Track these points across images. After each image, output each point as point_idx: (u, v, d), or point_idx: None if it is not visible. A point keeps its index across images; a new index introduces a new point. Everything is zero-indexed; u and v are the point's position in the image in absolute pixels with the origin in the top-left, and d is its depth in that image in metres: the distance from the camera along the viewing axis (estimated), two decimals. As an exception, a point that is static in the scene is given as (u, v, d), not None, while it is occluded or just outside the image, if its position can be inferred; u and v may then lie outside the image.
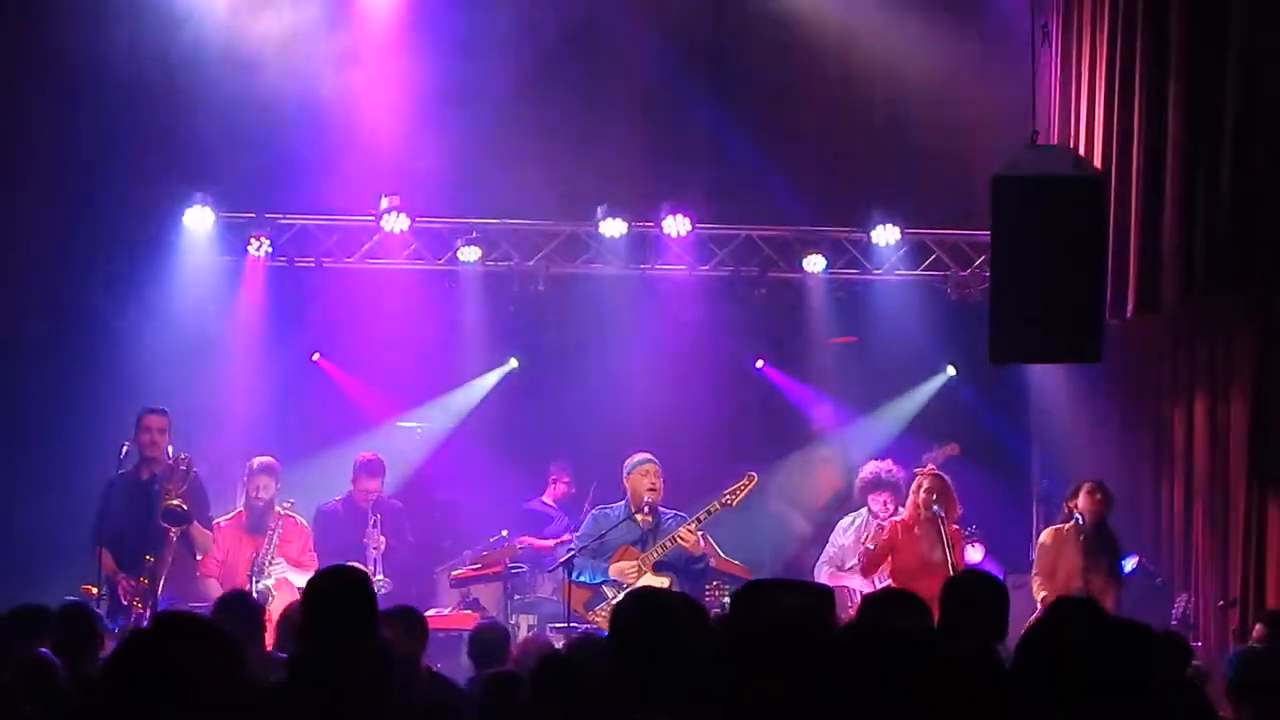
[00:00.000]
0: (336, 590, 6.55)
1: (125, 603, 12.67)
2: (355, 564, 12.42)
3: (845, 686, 4.19)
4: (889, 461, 14.38)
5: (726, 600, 13.45)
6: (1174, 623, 13.91)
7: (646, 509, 13.38)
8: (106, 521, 13.00)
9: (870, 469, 14.29)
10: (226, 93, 15.13)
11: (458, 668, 12.04)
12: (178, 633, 4.57)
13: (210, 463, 14.23)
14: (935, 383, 16.77)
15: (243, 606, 9.04)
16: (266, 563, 13.39)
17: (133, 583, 12.85)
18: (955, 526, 13.18)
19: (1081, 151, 13.99)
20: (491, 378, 16.75)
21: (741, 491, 13.45)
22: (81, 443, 14.20)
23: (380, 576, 13.51)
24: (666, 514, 13.49)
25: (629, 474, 13.57)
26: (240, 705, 4.39)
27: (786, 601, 5.48)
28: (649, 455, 13.61)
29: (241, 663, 4.55)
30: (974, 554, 14.25)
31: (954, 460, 15.36)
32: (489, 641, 9.96)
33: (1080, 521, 12.87)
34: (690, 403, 16.13)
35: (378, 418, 16.10)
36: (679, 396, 16.08)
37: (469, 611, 14.30)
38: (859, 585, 13.49)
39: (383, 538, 13.84)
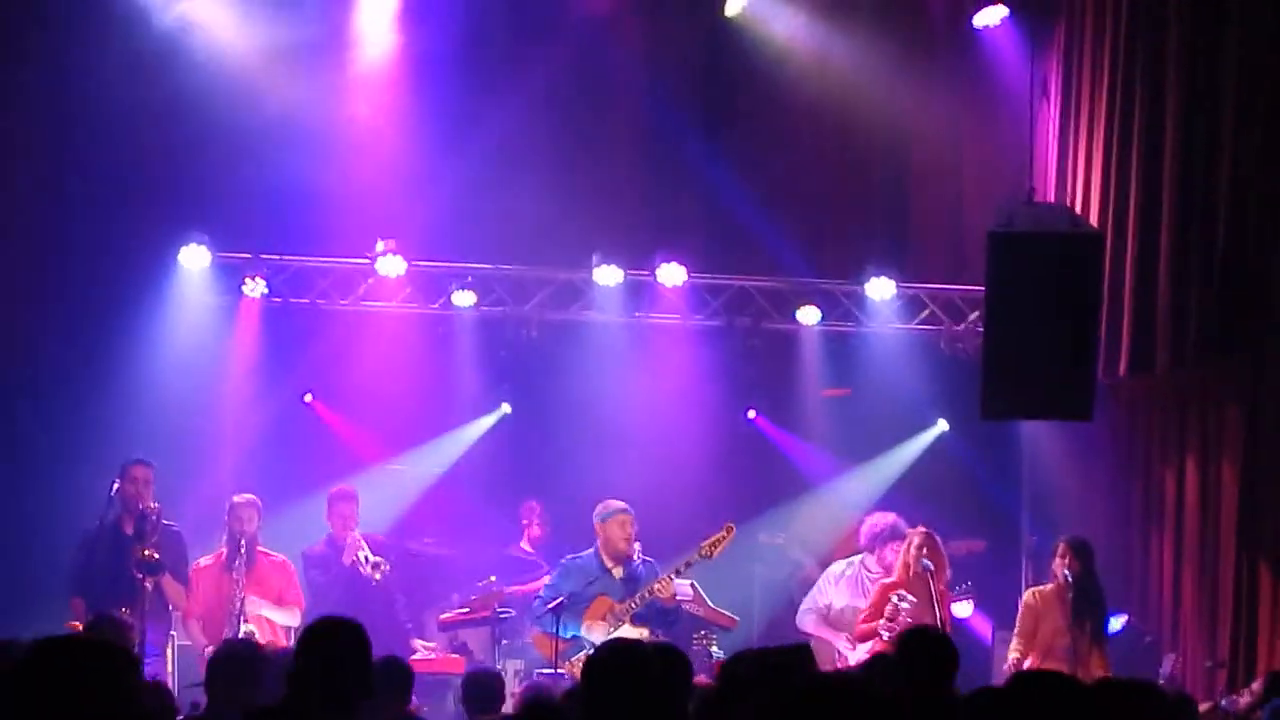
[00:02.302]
0: (334, 646, 6.49)
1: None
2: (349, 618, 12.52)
3: None
4: (893, 515, 14.33)
5: (714, 649, 13.42)
6: (1161, 683, 13.89)
7: (636, 559, 13.36)
8: (84, 573, 12.95)
9: (883, 520, 14.20)
10: (223, 133, 15.15)
11: (443, 712, 12.08)
12: (50, 659, 4.57)
13: (201, 503, 14.21)
14: (928, 436, 16.75)
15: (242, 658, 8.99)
16: (240, 603, 13.28)
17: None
18: (943, 587, 13.17)
19: (1077, 210, 14.02)
20: (484, 423, 16.72)
21: (720, 544, 13.40)
22: (72, 481, 14.14)
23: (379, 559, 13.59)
24: (635, 563, 13.45)
25: (603, 522, 13.52)
26: None
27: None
28: (624, 505, 13.58)
29: (122, 688, 4.52)
30: (963, 608, 14.22)
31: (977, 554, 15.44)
32: (483, 686, 9.92)
33: (1067, 580, 12.84)
34: (681, 452, 16.11)
35: (368, 460, 16.04)
36: (670, 445, 16.07)
37: (456, 655, 14.28)
38: (844, 648, 13.46)
39: (377, 560, 13.83)
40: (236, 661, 8.41)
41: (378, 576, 13.78)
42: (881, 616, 13.02)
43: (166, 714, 7.54)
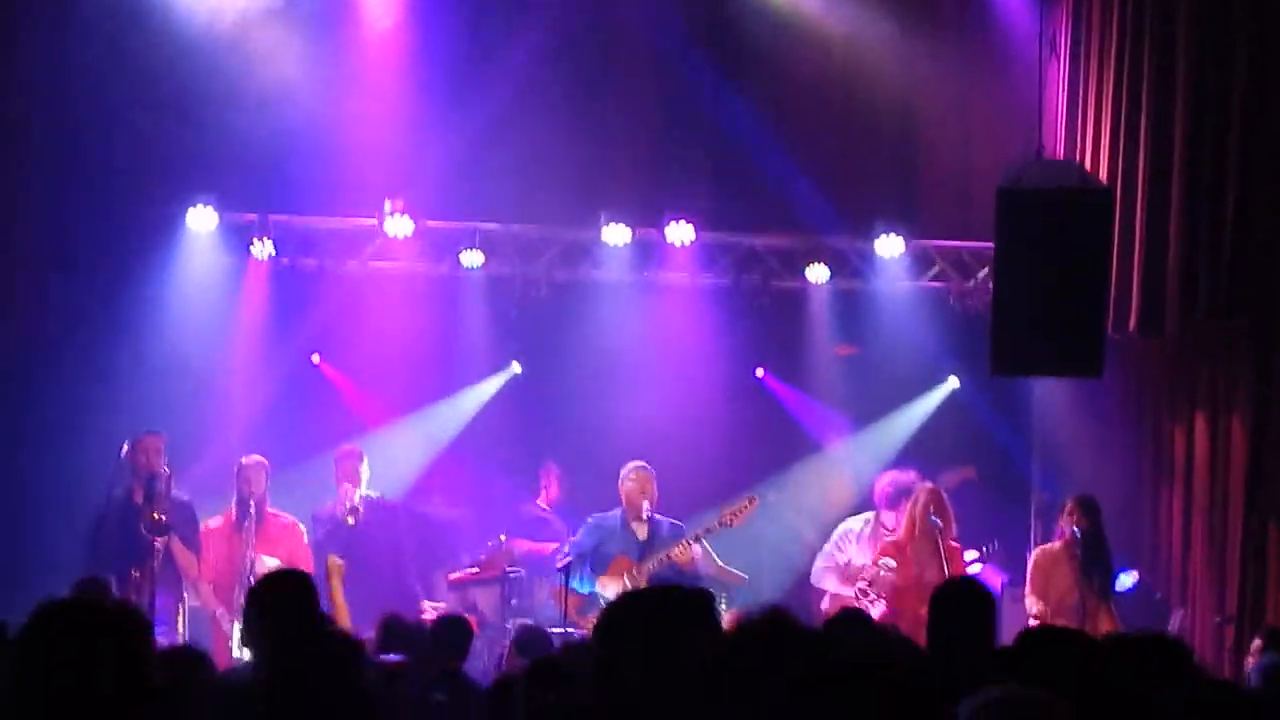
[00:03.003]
0: (274, 594, 6.49)
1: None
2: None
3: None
4: (913, 473, 14.34)
5: (724, 606, 13.44)
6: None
7: (645, 517, 13.39)
8: (96, 547, 12.99)
9: (901, 478, 14.21)
10: (232, 92, 15.12)
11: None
12: (57, 624, 4.52)
13: (210, 464, 14.23)
14: (939, 393, 16.71)
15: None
16: (250, 564, 13.30)
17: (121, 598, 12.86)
18: (953, 542, 13.20)
19: (1086, 167, 13.98)
20: (494, 382, 16.71)
21: (742, 513, 13.45)
22: (82, 445, 14.16)
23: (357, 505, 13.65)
24: (663, 523, 13.49)
25: (622, 481, 13.59)
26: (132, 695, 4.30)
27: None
28: (642, 463, 13.64)
29: (134, 653, 4.48)
30: (970, 559, 14.25)
31: (970, 482, 15.44)
32: (536, 641, 9.99)
33: (1075, 537, 12.86)
34: (690, 411, 16.09)
35: (376, 421, 16.06)
36: (679, 404, 16.05)
37: (468, 615, 14.29)
38: (865, 605, 13.48)
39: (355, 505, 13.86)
40: None
41: (350, 521, 13.76)
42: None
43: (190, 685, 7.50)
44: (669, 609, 5.77)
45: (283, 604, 6.47)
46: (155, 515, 12.82)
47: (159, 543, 12.83)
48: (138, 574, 12.65)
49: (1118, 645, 5.82)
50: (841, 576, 14.03)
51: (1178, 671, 5.44)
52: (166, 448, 13.33)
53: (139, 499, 13.08)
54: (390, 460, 15.13)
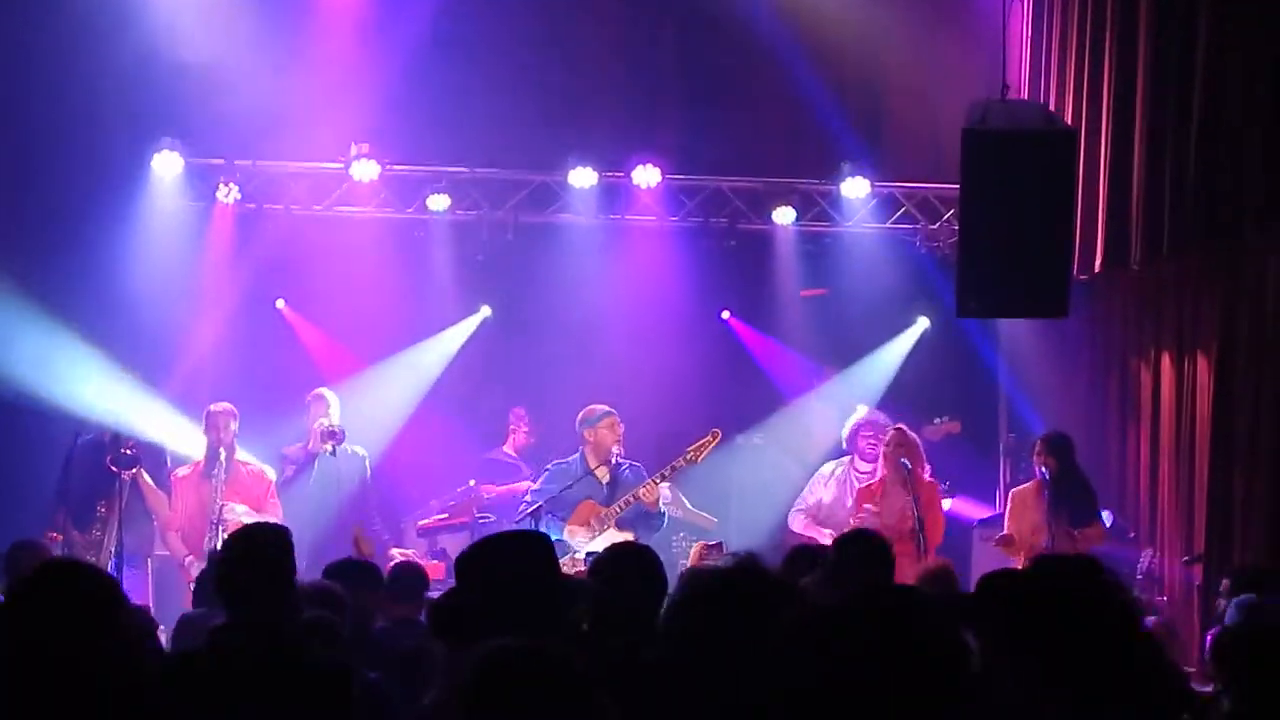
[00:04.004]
0: (249, 551, 6.49)
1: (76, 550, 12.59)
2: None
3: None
4: (880, 414, 14.41)
5: (691, 550, 13.46)
6: (1139, 577, 13.99)
7: (613, 462, 13.40)
8: (69, 482, 12.99)
9: (867, 418, 14.28)
10: (197, 36, 15.06)
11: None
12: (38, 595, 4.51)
13: (174, 409, 14.20)
14: (910, 335, 16.72)
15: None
16: (219, 510, 13.29)
17: (85, 537, 12.85)
18: (930, 480, 13.26)
19: (1051, 107, 13.98)
20: (465, 326, 16.67)
21: (705, 449, 13.44)
22: (52, 383, 14.14)
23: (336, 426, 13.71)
24: (622, 465, 13.50)
25: (593, 426, 13.54)
26: (108, 666, 4.29)
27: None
28: (608, 408, 13.62)
29: (113, 623, 4.48)
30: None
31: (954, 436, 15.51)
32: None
33: (1043, 477, 12.91)
34: (658, 354, 16.11)
35: (340, 367, 16.02)
36: (647, 347, 16.06)
37: (436, 562, 14.30)
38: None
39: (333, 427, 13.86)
40: None
41: (328, 447, 13.71)
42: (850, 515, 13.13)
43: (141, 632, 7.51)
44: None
45: (260, 560, 6.46)
46: (123, 450, 12.86)
47: (126, 475, 12.84)
48: (104, 508, 12.67)
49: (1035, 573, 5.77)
50: (810, 518, 14.07)
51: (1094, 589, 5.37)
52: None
53: (106, 436, 13.10)
54: (358, 408, 15.10)
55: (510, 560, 5.52)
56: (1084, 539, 12.70)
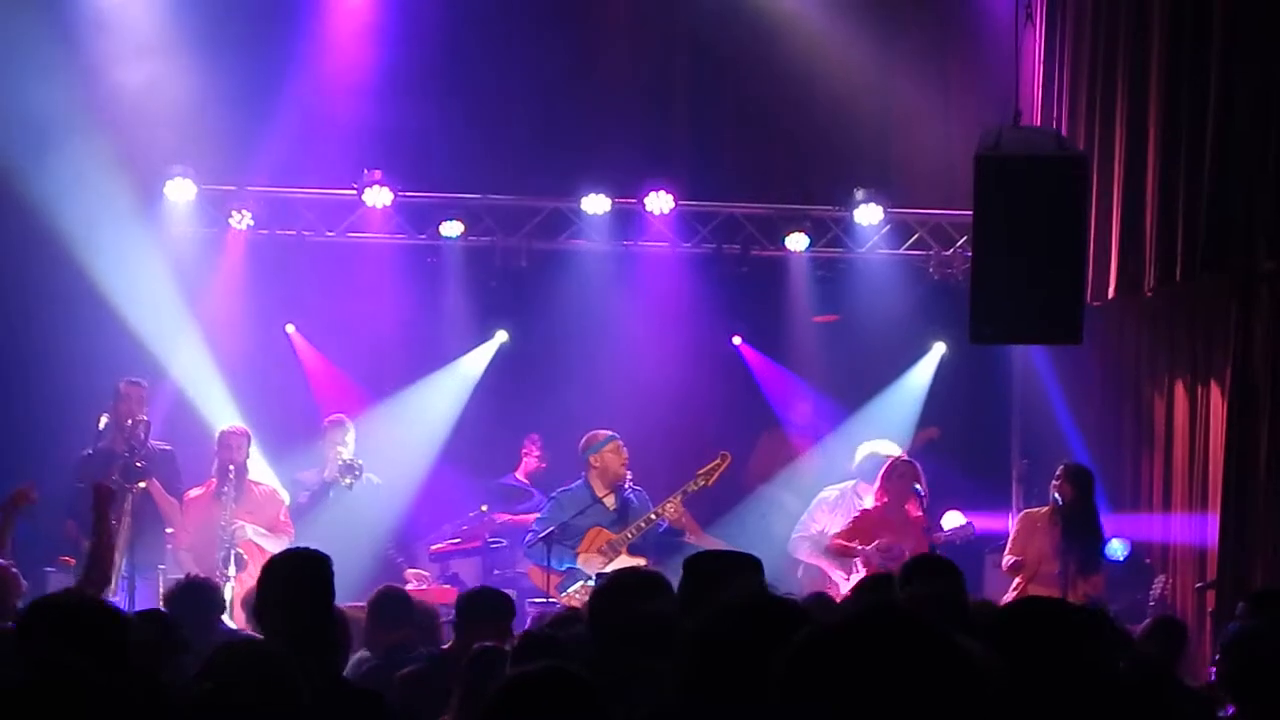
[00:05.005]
0: (293, 573, 6.50)
1: None
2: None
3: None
4: (891, 444, 14.37)
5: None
6: (1151, 604, 13.97)
7: (621, 485, 13.40)
8: (76, 494, 13.02)
9: (875, 449, 14.23)
10: (211, 62, 15.10)
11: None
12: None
13: (187, 434, 14.23)
14: (931, 360, 16.64)
15: (197, 593, 8.99)
16: (231, 530, 13.29)
17: None
18: (921, 512, 13.24)
19: (1064, 133, 13.99)
20: (485, 351, 16.65)
21: (716, 471, 13.47)
22: (59, 414, 14.19)
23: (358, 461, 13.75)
24: (626, 491, 13.49)
25: (598, 452, 13.55)
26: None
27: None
28: (611, 432, 13.63)
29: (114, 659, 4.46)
30: (955, 518, 14.27)
31: (934, 443, 15.46)
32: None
33: (1057, 504, 12.89)
34: (671, 380, 16.11)
35: (353, 392, 16.02)
36: (659, 374, 16.05)
37: (448, 586, 14.30)
38: (839, 576, 13.50)
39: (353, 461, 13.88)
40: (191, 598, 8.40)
41: (347, 480, 13.75)
42: (855, 538, 13.09)
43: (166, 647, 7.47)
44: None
45: (304, 585, 6.47)
46: (135, 464, 12.89)
47: (136, 490, 12.86)
48: (114, 521, 12.66)
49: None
50: (815, 547, 14.05)
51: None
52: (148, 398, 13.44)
53: (120, 446, 13.14)
54: (380, 434, 15.15)
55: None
56: (1091, 586, 12.69)
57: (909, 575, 7.64)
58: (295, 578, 6.46)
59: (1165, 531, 14.69)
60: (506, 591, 13.82)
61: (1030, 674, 5.10)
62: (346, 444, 14.12)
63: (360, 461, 13.94)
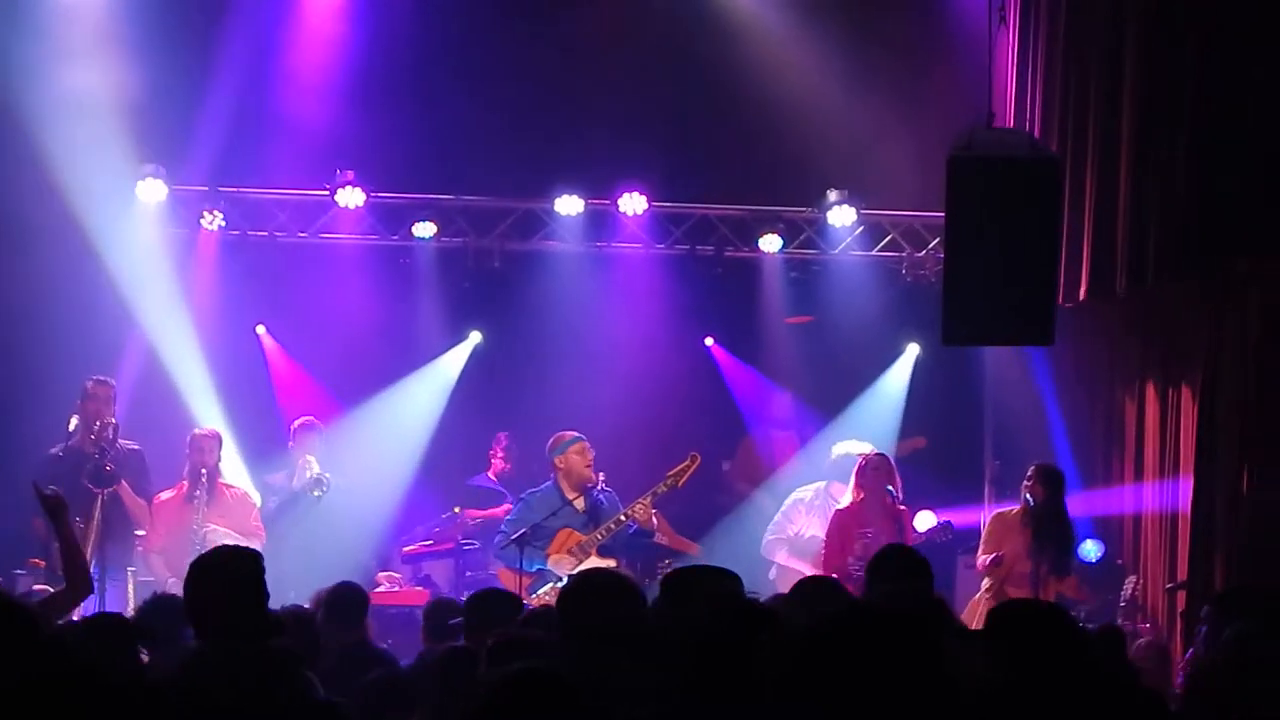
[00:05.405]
0: (218, 574, 6.46)
1: (60, 573, 12.48)
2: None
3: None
4: (865, 444, 14.36)
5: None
6: (1122, 604, 13.99)
7: (591, 486, 13.39)
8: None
9: (849, 449, 14.22)
10: (183, 61, 15.05)
11: (411, 643, 12.08)
12: None
13: (159, 437, 14.17)
14: (906, 361, 16.66)
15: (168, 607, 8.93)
16: (202, 534, 13.24)
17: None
18: (899, 506, 13.25)
19: (1036, 135, 14.00)
20: (460, 352, 16.63)
21: (685, 473, 13.47)
22: (28, 414, 14.13)
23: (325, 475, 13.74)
24: (597, 493, 13.48)
25: (563, 453, 13.55)
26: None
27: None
28: (577, 433, 13.62)
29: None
30: (928, 518, 14.29)
31: (919, 452, 15.50)
32: (445, 615, 9.92)
33: (1028, 505, 12.89)
34: (644, 381, 16.11)
35: (325, 393, 15.99)
36: (632, 375, 16.05)
37: (420, 588, 14.28)
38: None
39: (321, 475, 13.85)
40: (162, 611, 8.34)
41: (316, 494, 13.74)
42: (839, 547, 13.08)
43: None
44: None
45: (232, 583, 6.43)
46: (105, 467, 12.84)
47: (105, 494, 12.80)
48: (80, 523, 12.63)
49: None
50: (790, 549, 14.05)
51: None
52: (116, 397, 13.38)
53: (89, 448, 13.08)
54: (355, 441, 15.16)
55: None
56: (1065, 586, 12.70)
57: (876, 571, 7.63)
58: (225, 578, 6.42)
59: (1136, 532, 14.71)
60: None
61: (1025, 675, 5.11)
62: (314, 457, 14.09)
63: (328, 475, 13.92)
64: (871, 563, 7.83)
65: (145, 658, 7.45)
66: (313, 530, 13.61)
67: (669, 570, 13.91)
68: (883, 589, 7.24)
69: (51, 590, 10.69)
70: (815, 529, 13.91)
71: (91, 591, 9.00)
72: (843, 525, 13.25)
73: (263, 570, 6.51)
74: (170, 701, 5.58)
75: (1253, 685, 6.15)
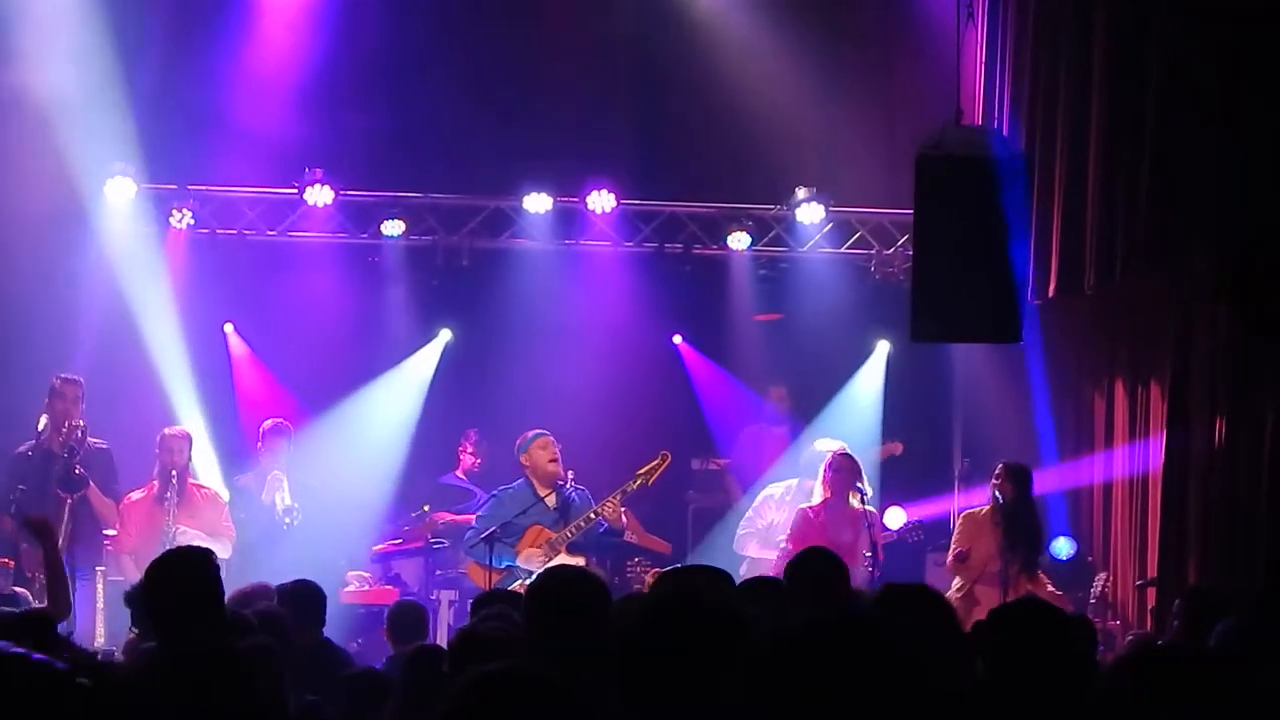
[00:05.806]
0: (173, 575, 6.44)
1: (29, 575, 12.45)
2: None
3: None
4: (837, 441, 14.37)
5: (648, 577, 13.44)
6: (1092, 601, 14.02)
7: (562, 483, 13.37)
8: (12, 493, 12.92)
9: (826, 447, 14.23)
10: (151, 61, 15.02)
11: (381, 643, 12.08)
12: None
13: (128, 435, 14.12)
14: (878, 359, 16.66)
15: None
16: (173, 534, 13.19)
17: (35, 549, 12.76)
18: (863, 506, 13.24)
19: (1005, 133, 14.02)
20: (431, 351, 16.60)
21: (656, 471, 13.47)
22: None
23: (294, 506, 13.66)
24: (568, 490, 13.47)
25: (527, 450, 13.53)
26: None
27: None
28: (540, 430, 13.60)
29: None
30: (896, 517, 14.29)
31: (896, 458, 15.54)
32: (408, 618, 9.92)
33: (998, 503, 12.91)
34: (612, 379, 16.11)
35: (295, 395, 15.96)
36: (601, 373, 16.06)
37: (390, 587, 14.26)
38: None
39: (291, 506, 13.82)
40: None
41: (288, 521, 13.73)
42: (798, 542, 13.06)
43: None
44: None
45: (184, 583, 6.41)
46: (74, 471, 12.80)
47: (71, 499, 12.76)
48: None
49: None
50: (761, 542, 14.07)
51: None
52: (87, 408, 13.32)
53: (58, 448, 13.04)
54: (329, 441, 15.15)
55: None
56: (1036, 585, 12.72)
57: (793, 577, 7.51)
58: (177, 577, 6.40)
59: (1106, 529, 14.74)
60: (448, 592, 13.95)
61: (1020, 676, 5.12)
62: (284, 475, 14.05)
63: (296, 505, 13.86)
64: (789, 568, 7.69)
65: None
66: (282, 544, 13.58)
67: (638, 567, 14.08)
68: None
69: (25, 593, 10.70)
70: (783, 519, 13.95)
71: (69, 613, 8.89)
72: (805, 525, 13.24)
73: (216, 570, 6.51)
74: (121, 703, 5.55)
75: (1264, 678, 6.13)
